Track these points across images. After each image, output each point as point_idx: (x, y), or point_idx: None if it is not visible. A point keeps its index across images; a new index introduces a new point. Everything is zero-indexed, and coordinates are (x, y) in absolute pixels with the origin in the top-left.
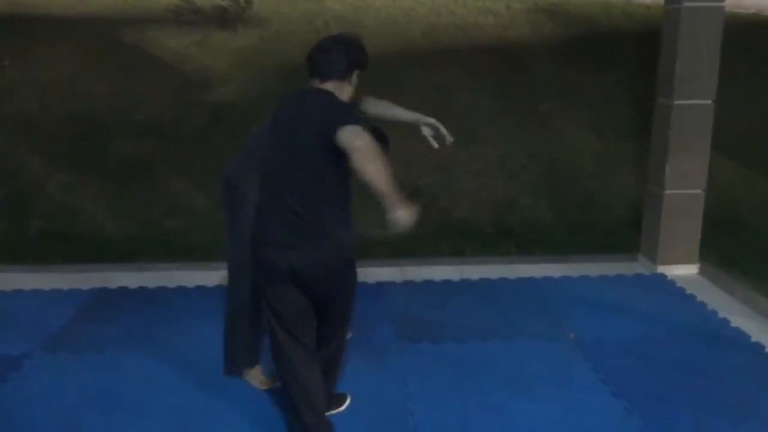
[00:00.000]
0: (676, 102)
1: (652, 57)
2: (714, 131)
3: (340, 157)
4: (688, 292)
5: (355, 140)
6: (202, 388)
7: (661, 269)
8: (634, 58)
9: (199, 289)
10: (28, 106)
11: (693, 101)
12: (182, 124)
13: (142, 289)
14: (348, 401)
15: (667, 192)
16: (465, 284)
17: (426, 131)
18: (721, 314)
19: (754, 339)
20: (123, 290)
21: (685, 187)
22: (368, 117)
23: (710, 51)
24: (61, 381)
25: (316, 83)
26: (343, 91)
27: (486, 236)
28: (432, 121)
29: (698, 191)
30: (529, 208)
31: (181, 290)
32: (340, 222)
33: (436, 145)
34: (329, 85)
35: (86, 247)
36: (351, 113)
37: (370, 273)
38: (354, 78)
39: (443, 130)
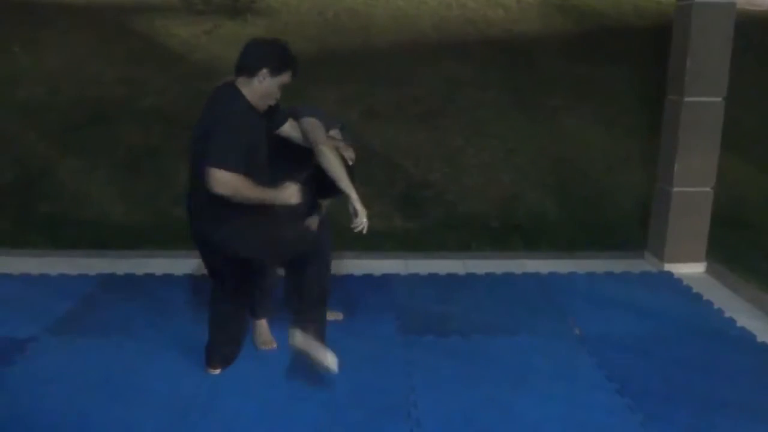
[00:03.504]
0: (686, 99)
1: (663, 53)
2: (724, 129)
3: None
4: (694, 290)
5: (214, 186)
6: (205, 375)
7: (668, 267)
8: (645, 54)
9: (206, 277)
10: (37, 92)
11: (703, 98)
12: (190, 113)
13: (148, 276)
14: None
15: (675, 189)
16: (470, 278)
17: (351, 208)
18: (728, 313)
19: (760, 339)
20: (130, 276)
21: (693, 184)
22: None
23: (721, 48)
24: (66, 364)
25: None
26: (251, 88)
27: (492, 231)
28: (358, 207)
29: (707, 189)
30: (536, 203)
31: (187, 278)
32: (209, 210)
33: (354, 225)
34: (240, 81)
35: (94, 233)
36: (219, 145)
37: (374, 265)
38: (265, 78)
39: (361, 221)
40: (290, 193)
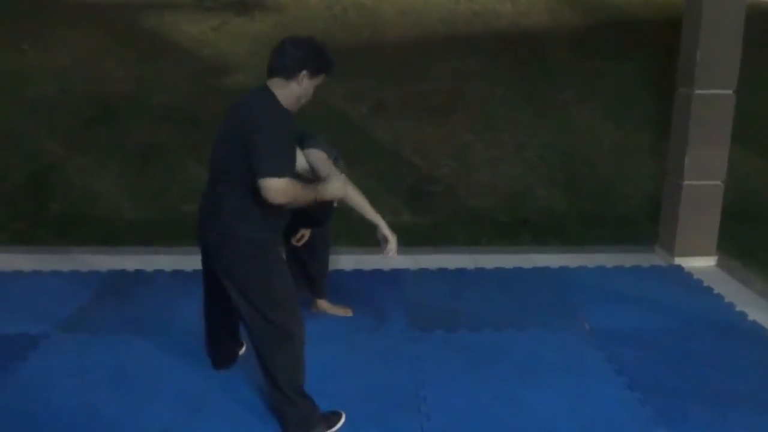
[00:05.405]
0: (697, 91)
1: (673, 46)
2: (734, 122)
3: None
4: (705, 284)
5: (272, 196)
6: (216, 371)
7: (679, 261)
8: (655, 47)
9: None
10: (47, 89)
11: (714, 91)
12: (199, 110)
13: (158, 272)
14: (342, 420)
15: (685, 183)
16: (479, 273)
17: (380, 235)
18: (738, 307)
19: None
20: (139, 273)
21: (704, 178)
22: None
23: (732, 40)
24: (78, 360)
25: (267, 82)
26: (289, 90)
27: (501, 225)
28: (387, 234)
29: (717, 183)
30: (546, 197)
31: (197, 274)
32: (242, 215)
33: (383, 253)
34: (273, 82)
35: (104, 229)
36: (268, 154)
37: (384, 260)
38: (303, 80)
39: (391, 247)
40: (339, 186)
